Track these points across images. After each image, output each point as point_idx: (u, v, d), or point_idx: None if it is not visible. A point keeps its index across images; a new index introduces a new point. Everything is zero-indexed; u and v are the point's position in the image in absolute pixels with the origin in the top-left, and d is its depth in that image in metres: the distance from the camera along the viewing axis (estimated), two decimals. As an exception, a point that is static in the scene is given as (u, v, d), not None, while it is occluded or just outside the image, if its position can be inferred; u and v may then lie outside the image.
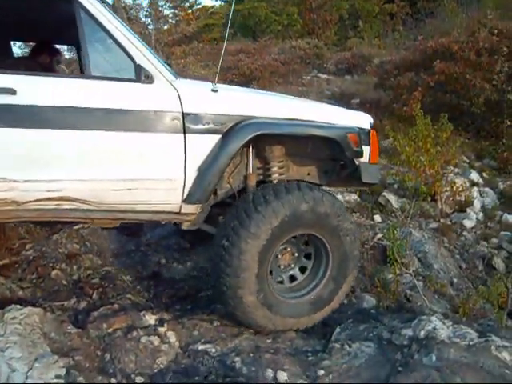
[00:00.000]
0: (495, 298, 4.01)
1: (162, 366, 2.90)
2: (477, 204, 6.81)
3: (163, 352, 2.99)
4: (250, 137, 3.05)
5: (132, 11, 17.30)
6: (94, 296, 3.78)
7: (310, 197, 3.17)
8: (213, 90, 3.11)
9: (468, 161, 7.95)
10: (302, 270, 3.48)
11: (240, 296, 3.07)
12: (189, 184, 3.02)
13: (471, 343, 2.72)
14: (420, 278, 4.72)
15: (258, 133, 3.07)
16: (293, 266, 3.47)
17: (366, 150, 3.50)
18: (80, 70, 4.51)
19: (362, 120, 3.61)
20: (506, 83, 8.20)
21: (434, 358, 2.62)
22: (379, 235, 5.13)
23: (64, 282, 3.94)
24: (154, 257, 4.51)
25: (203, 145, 3.03)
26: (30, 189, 2.79)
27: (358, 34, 18.19)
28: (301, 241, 3.45)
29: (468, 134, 8.63)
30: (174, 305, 3.82)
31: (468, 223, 6.40)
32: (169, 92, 2.98)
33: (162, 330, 3.17)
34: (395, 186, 6.63)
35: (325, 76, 12.88)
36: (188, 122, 2.97)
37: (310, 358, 2.97)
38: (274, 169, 3.45)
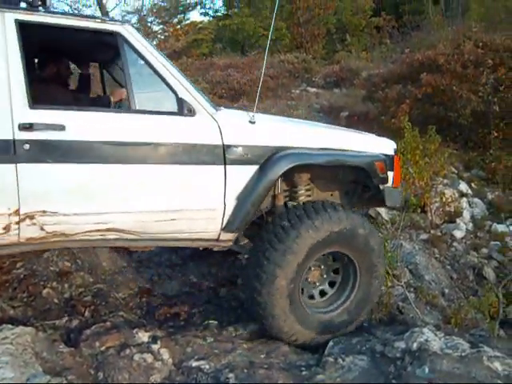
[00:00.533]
0: (486, 308, 4.03)
1: (155, 384, 2.89)
2: (466, 214, 6.87)
3: (157, 369, 2.97)
4: (286, 168, 3.16)
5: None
6: (86, 314, 3.76)
7: (341, 216, 3.29)
8: (250, 122, 3.23)
9: (456, 172, 8.02)
10: (331, 284, 3.58)
11: (273, 309, 3.19)
12: (228, 213, 3.13)
13: (463, 354, 2.73)
14: (412, 289, 4.74)
15: (295, 164, 3.19)
16: (320, 283, 3.57)
17: (390, 175, 3.62)
18: (103, 89, 4.69)
19: (388, 146, 3.75)
20: (492, 95, 8.31)
21: (426, 370, 2.63)
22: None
23: (55, 301, 3.91)
24: (146, 273, 4.50)
25: (242, 175, 3.13)
26: (79, 222, 2.87)
27: (345, 47, 18.38)
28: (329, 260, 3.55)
29: (456, 145, 8.71)
30: (167, 321, 3.81)
31: (458, 234, 6.45)
32: (210, 124, 3.09)
33: (155, 347, 3.15)
34: (385, 197, 6.65)
35: (314, 89, 12.98)
36: (228, 154, 3.07)
37: (304, 373, 2.97)
38: (301, 191, 3.58)
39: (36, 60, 3.97)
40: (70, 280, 4.18)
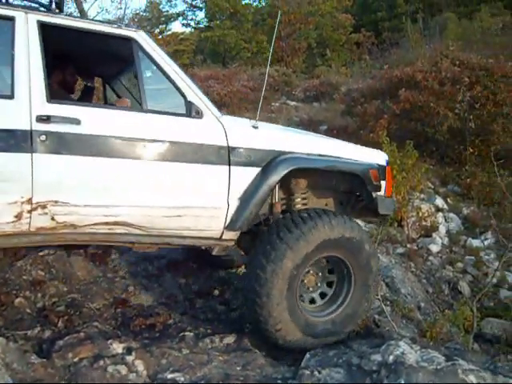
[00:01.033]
0: (461, 321, 4.07)
1: (129, 396, 2.84)
2: (442, 229, 6.97)
3: (131, 381, 2.91)
4: (288, 170, 3.30)
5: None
6: (60, 324, 3.67)
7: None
8: (253, 127, 3.42)
9: (433, 187, 8.14)
10: (322, 295, 3.66)
11: (272, 313, 3.26)
12: (231, 212, 3.26)
13: (439, 367, 2.74)
14: (388, 302, 4.77)
15: (296, 167, 3.33)
16: (317, 287, 3.65)
17: (383, 184, 3.76)
18: (104, 100, 4.75)
19: (380, 157, 3.90)
20: (468, 112, 8.48)
21: (402, 383, 2.63)
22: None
23: (28, 310, 3.82)
24: (121, 284, 4.43)
25: (245, 176, 3.27)
26: (88, 213, 2.95)
27: (325, 62, 18.63)
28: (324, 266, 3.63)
29: (432, 161, 8.86)
30: (142, 333, 3.74)
31: (434, 248, 6.53)
32: (216, 127, 3.24)
33: (129, 358, 3.10)
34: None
35: (293, 103, 13.08)
36: (232, 155, 3.21)
37: (280, 385, 2.95)
38: (298, 199, 3.69)
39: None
40: (43, 289, 4.10)
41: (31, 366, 2.90)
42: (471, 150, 8.61)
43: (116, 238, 3.14)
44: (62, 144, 2.86)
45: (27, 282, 4.14)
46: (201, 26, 25.32)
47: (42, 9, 3.22)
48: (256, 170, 3.28)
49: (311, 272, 3.58)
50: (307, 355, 3.24)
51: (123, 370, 2.99)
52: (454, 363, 2.80)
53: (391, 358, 2.88)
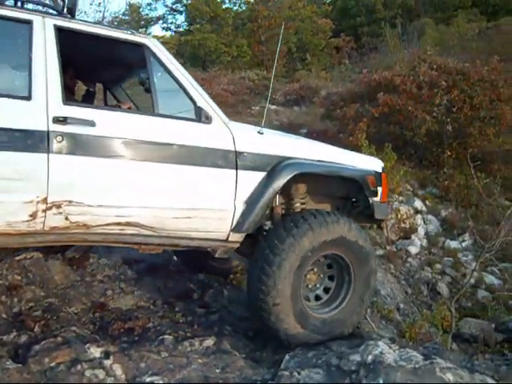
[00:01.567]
0: (439, 321, 4.12)
1: (106, 401, 2.80)
2: (421, 231, 7.05)
3: (108, 386, 2.88)
4: (293, 174, 3.40)
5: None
6: (36, 329, 3.61)
7: (334, 220, 3.51)
8: (259, 133, 3.55)
9: (412, 189, 8.22)
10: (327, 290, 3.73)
11: (277, 310, 3.33)
12: (237, 215, 3.34)
13: (417, 366, 2.76)
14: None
15: (300, 171, 3.44)
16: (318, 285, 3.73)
17: (379, 190, 3.87)
18: (105, 103, 4.75)
19: (376, 164, 4.02)
20: (446, 115, 8.61)
21: (381, 382, 2.64)
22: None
23: (4, 316, 3.75)
24: (99, 288, 4.37)
25: (251, 180, 3.37)
26: (101, 213, 3.00)
27: (305, 66, 18.73)
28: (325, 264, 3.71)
29: (411, 164, 8.95)
30: (120, 337, 3.70)
31: (413, 250, 6.60)
32: (224, 132, 3.34)
33: (107, 362, 3.06)
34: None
35: (274, 107, 13.11)
36: (239, 160, 3.31)
37: (260, 387, 2.95)
38: (297, 204, 3.75)
39: None
40: (19, 294, 4.02)
41: (6, 371, 2.84)
42: (449, 153, 8.73)
43: (126, 238, 3.19)
44: (78, 145, 2.92)
45: (3, 286, 4.07)
46: (181, 29, 25.35)
47: (54, 13, 3.30)
48: (261, 175, 3.39)
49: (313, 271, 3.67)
50: (286, 357, 3.24)
51: (101, 374, 2.95)
52: (431, 362, 2.82)
53: (370, 357, 2.90)
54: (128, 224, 3.10)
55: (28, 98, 2.87)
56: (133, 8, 24.22)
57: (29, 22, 2.95)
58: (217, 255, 3.65)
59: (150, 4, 27.45)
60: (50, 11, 3.34)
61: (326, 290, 3.71)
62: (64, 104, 2.94)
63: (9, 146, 2.75)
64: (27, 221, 2.84)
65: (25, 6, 3.31)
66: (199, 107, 3.28)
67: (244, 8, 24.87)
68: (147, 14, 26.47)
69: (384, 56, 14.44)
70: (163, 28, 26.89)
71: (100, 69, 4.29)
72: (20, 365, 2.94)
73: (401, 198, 7.46)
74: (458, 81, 8.82)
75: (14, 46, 3.05)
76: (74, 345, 3.21)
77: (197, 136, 3.23)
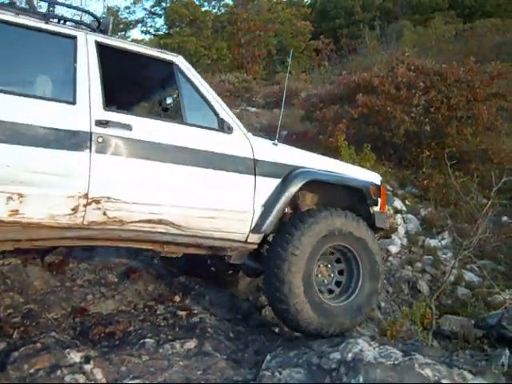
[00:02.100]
0: (418, 317, 4.16)
1: (87, 405, 2.78)
2: (401, 230, 7.12)
3: (89, 390, 2.86)
4: (305, 181, 3.75)
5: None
6: (15, 336, 3.55)
7: (344, 216, 3.85)
8: (274, 144, 3.88)
9: (391, 189, 8.29)
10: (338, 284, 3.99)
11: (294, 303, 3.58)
12: (256, 217, 3.67)
13: (396, 362, 2.80)
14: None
15: (312, 179, 3.80)
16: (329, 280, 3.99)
17: (378, 201, 4.20)
18: None
19: (375, 177, 4.35)
20: (424, 115, 8.71)
21: (361, 380, 2.67)
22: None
23: (-19, 323, 3.70)
24: (79, 292, 4.33)
25: (268, 186, 3.71)
26: (136, 210, 3.27)
27: (285, 68, 18.74)
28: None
29: (391, 164, 9.04)
30: (101, 341, 3.67)
31: (393, 249, 6.66)
32: (244, 141, 3.70)
33: (87, 367, 3.04)
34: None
35: (254, 109, 13.13)
36: (258, 167, 3.66)
37: (241, 388, 2.95)
38: None
39: None
40: (-3, 301, 3.98)
41: (-16, 379, 2.81)
42: (427, 153, 8.83)
43: (155, 236, 3.43)
44: (116, 146, 3.20)
45: (-20, 293, 4.01)
46: (160, 32, 25.18)
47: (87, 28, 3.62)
48: (277, 181, 3.72)
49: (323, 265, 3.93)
50: (268, 357, 3.25)
51: (81, 379, 2.93)
52: (411, 358, 2.86)
53: (350, 355, 2.93)
54: (159, 222, 3.36)
55: (73, 102, 3.17)
56: (111, 11, 24.07)
57: (74, 38, 3.32)
58: (231, 261, 3.87)
59: (128, 7, 27.33)
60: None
61: (338, 284, 3.95)
62: (104, 109, 3.25)
63: (56, 144, 3.01)
64: (69, 214, 3.08)
65: (67, 23, 3.57)
66: (222, 119, 3.64)
67: (223, 11, 24.89)
68: (126, 18, 26.34)
69: (363, 58, 14.58)
70: (142, 31, 26.72)
71: (130, 82, 4.49)
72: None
73: (381, 197, 7.51)
74: (436, 82, 8.92)
75: (61, 57, 3.42)
76: (53, 350, 3.18)
77: (220, 144, 3.57)
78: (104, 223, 3.21)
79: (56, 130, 3.04)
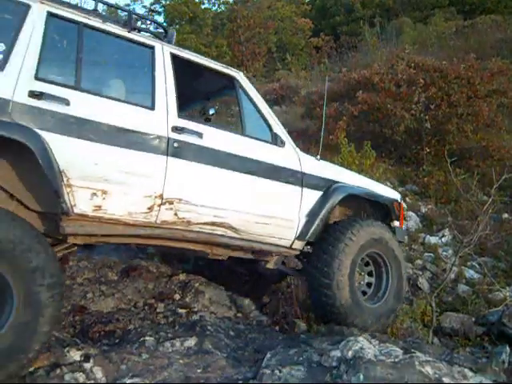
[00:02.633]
0: (418, 314, 4.15)
1: (86, 404, 2.77)
2: (401, 227, 7.06)
3: (88, 388, 2.85)
4: (345, 195, 4.11)
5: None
6: (15, 334, 3.56)
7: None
8: (317, 159, 4.22)
9: (392, 186, 8.26)
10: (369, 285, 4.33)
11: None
12: (301, 225, 3.98)
13: (396, 360, 2.79)
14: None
15: (351, 193, 4.17)
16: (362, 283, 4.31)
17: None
18: None
19: (396, 195, 4.76)
20: (424, 112, 8.68)
21: (361, 377, 2.66)
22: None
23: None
24: (80, 290, 4.33)
25: (311, 197, 4.02)
26: (203, 212, 3.49)
27: (285, 66, 18.71)
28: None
29: (391, 161, 9.02)
30: (101, 339, 3.68)
31: (394, 246, 6.60)
32: (294, 155, 4.00)
33: (87, 365, 3.03)
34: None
35: (254, 106, 13.05)
36: (304, 179, 3.98)
37: (241, 386, 2.94)
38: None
39: None
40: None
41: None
42: (428, 150, 8.81)
43: (215, 238, 3.64)
44: (189, 152, 3.42)
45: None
46: (159, 30, 25.14)
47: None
48: (319, 193, 4.05)
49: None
50: (268, 355, 3.24)
51: (81, 377, 2.92)
52: (411, 355, 2.85)
53: (350, 353, 2.92)
54: (221, 225, 3.59)
55: (152, 108, 3.38)
56: (110, 10, 24.04)
57: (152, 48, 3.54)
58: (268, 266, 4.17)
59: (128, 5, 27.30)
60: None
61: (369, 285, 4.29)
62: (179, 117, 3.46)
63: (137, 146, 3.20)
64: (145, 212, 3.26)
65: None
66: (275, 133, 3.92)
67: (223, 8, 24.87)
68: (125, 15, 26.29)
69: (363, 55, 14.54)
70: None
71: (195, 92, 4.68)
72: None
73: (381, 195, 7.48)
74: (436, 78, 8.90)
75: (140, 64, 3.62)
76: (53, 349, 3.18)
77: (275, 156, 3.85)
78: (174, 223, 3.41)
79: (138, 132, 3.23)
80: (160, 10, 25.37)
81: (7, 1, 3.02)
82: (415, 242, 6.98)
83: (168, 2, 24.09)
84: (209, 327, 3.85)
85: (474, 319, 5.23)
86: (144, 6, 26.12)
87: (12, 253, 2.68)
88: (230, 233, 3.67)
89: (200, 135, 3.49)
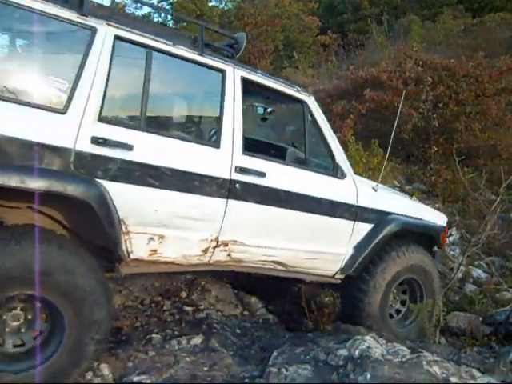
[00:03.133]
0: (425, 314, 4.13)
1: (93, 401, 2.78)
2: (408, 226, 7.02)
3: (95, 385, 2.86)
4: (397, 229, 4.01)
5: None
6: (22, 331, 3.57)
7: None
8: (374, 189, 4.07)
9: (399, 185, 8.24)
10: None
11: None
12: (347, 258, 3.90)
13: (404, 359, 2.78)
14: (356, 299, 4.78)
15: (403, 227, 4.06)
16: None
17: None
18: None
19: (443, 219, 4.66)
20: (432, 111, 8.64)
21: (368, 377, 2.65)
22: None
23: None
24: (86, 287, 4.34)
25: (362, 230, 3.91)
26: (256, 252, 3.43)
27: (292, 63, 18.66)
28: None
29: (398, 159, 8.97)
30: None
31: (401, 245, 6.57)
32: (352, 188, 3.84)
33: (94, 362, 3.04)
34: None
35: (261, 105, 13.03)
36: (358, 213, 3.84)
37: (248, 384, 2.94)
38: None
39: None
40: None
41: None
42: (435, 149, 8.77)
43: (263, 271, 3.64)
44: (250, 193, 3.25)
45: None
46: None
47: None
48: (370, 226, 3.93)
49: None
50: (274, 353, 3.24)
51: (88, 374, 2.93)
52: (418, 355, 2.84)
53: (357, 352, 2.91)
54: (271, 262, 3.56)
55: (217, 146, 3.16)
56: (118, 6, 24.06)
57: (223, 71, 3.24)
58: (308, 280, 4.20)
59: (136, 2, 27.32)
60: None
61: (398, 312, 4.35)
62: (243, 153, 3.26)
63: (198, 190, 3.02)
64: (199, 255, 3.20)
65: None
66: (337, 164, 3.75)
67: (230, 6, 24.80)
68: (133, 13, 26.29)
69: (370, 53, 14.46)
70: (149, 27, 26.66)
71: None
72: (6, 367, 2.89)
73: (388, 193, 7.46)
74: (444, 77, 8.86)
75: (210, 93, 3.45)
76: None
77: (333, 190, 3.71)
78: (226, 262, 3.37)
79: (199, 175, 3.03)
80: (167, 7, 25.37)
81: (69, 24, 2.64)
82: (422, 241, 6.93)
83: (175, 0, 24.08)
84: (215, 325, 3.85)
85: (481, 319, 5.21)
86: (151, 5, 26.09)
87: (81, 301, 2.65)
88: (278, 267, 3.65)
89: (262, 174, 3.31)
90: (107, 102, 2.73)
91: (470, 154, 8.57)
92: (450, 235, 6.93)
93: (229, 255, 3.33)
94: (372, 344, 2.96)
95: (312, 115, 3.70)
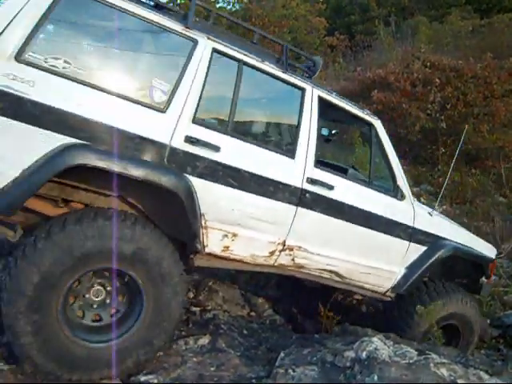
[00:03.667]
0: (433, 316, 4.11)
1: (101, 400, 2.79)
2: (416, 228, 6.99)
3: (103, 385, 2.87)
4: (449, 254, 4.13)
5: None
6: (30, 330, 3.59)
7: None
8: (429, 214, 4.20)
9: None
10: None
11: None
12: (399, 277, 4.02)
13: (411, 361, 2.77)
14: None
15: (455, 252, 4.17)
16: None
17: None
18: None
19: (493, 251, 4.68)
20: (440, 112, 8.61)
21: (375, 378, 2.65)
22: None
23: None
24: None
25: (415, 251, 4.03)
26: (317, 260, 3.58)
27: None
28: None
29: (406, 161, 8.94)
30: (115, 336, 3.69)
31: (408, 246, 6.55)
32: (410, 209, 3.99)
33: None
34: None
35: (269, 105, 13.03)
36: (414, 234, 3.99)
37: (255, 385, 2.94)
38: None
39: None
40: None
41: (0, 372, 2.83)
42: (443, 150, 8.75)
43: (320, 279, 3.74)
44: (317, 203, 3.43)
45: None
46: (175, 29, 25.16)
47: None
48: (423, 248, 4.06)
49: None
50: (281, 354, 3.24)
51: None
52: (426, 357, 2.83)
53: (364, 353, 2.91)
54: (329, 271, 3.69)
55: (292, 156, 3.35)
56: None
57: (303, 90, 3.45)
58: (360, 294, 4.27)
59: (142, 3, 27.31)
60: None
61: None
62: (315, 166, 3.44)
63: (272, 195, 3.23)
64: (266, 256, 3.38)
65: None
66: (398, 186, 3.90)
67: (237, 7, 24.83)
68: (139, 15, 26.33)
69: (378, 54, 14.46)
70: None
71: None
72: (14, 365, 2.92)
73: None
74: (452, 78, 8.83)
75: (289, 108, 3.57)
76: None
77: (393, 210, 3.85)
78: (288, 266, 3.52)
79: (275, 181, 3.24)
80: (175, 9, 25.43)
81: (175, 35, 2.97)
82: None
83: (183, 1, 24.16)
84: (222, 326, 3.86)
85: (489, 321, 5.19)
86: (156, 6, 26.15)
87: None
88: (335, 277, 3.76)
89: (331, 187, 3.49)
90: (201, 106, 3.01)
91: (478, 155, 8.54)
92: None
93: (292, 260, 3.49)
94: (379, 345, 2.95)
95: (378, 138, 3.86)
